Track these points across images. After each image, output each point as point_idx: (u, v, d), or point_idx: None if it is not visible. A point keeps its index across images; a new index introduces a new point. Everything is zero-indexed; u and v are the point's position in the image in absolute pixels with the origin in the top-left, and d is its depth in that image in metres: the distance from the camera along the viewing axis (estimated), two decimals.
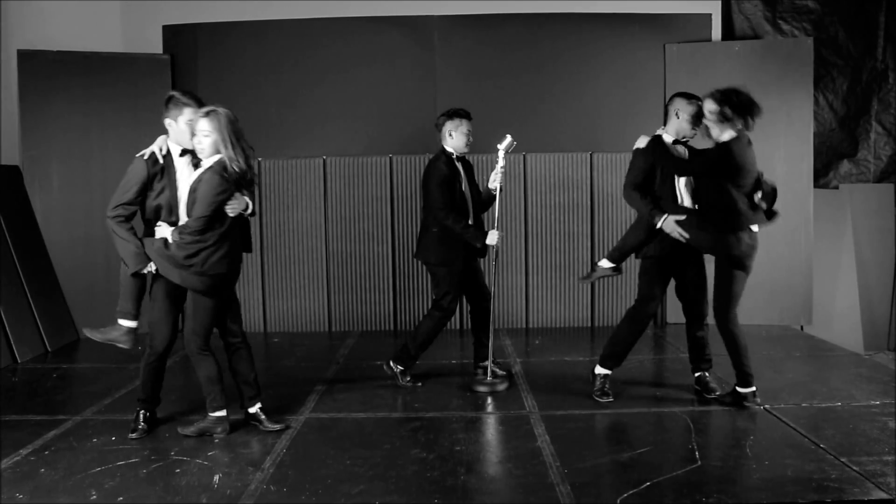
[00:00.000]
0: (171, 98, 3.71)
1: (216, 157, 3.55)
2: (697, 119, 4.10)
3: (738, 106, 3.89)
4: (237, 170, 3.53)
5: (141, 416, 3.81)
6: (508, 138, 4.37)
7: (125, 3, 6.60)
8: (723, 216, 3.93)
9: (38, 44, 6.23)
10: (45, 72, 6.11)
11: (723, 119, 3.91)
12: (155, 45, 6.50)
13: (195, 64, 6.47)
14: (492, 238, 4.42)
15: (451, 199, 4.42)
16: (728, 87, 3.95)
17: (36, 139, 6.12)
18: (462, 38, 6.46)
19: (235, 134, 3.54)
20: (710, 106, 3.96)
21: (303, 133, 6.45)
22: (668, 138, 4.16)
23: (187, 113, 3.64)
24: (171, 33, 6.50)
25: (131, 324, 3.71)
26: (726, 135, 3.94)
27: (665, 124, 4.29)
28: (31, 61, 6.10)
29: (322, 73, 6.47)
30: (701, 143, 4.20)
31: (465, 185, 4.53)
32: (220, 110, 3.55)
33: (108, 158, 6.26)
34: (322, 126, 6.48)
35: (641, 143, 4.20)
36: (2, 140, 6.25)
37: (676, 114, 4.16)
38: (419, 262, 6.41)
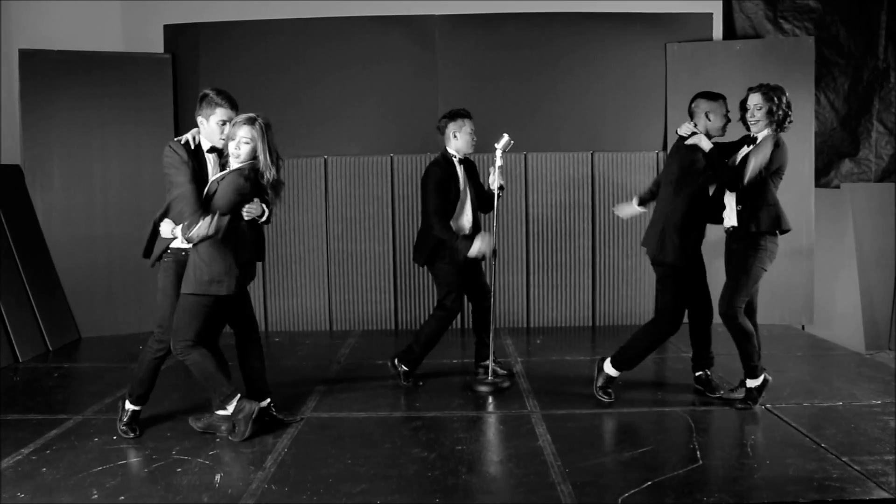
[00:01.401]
0: (205, 96, 3.66)
1: (248, 162, 3.57)
2: (728, 117, 4.10)
3: (788, 104, 3.94)
4: (269, 179, 3.56)
5: (138, 415, 3.81)
6: (506, 137, 4.38)
7: (126, 2, 6.61)
8: (773, 216, 3.96)
9: (39, 43, 6.23)
10: (46, 71, 6.11)
11: (770, 115, 3.92)
12: (156, 45, 6.51)
13: (196, 63, 6.48)
14: (474, 250, 4.34)
15: (445, 204, 4.40)
16: (775, 84, 3.97)
17: (37, 138, 6.12)
18: (463, 38, 6.46)
19: (271, 143, 3.56)
20: (756, 100, 3.96)
21: (304, 132, 6.45)
22: (706, 144, 3.99)
23: (220, 113, 3.62)
24: (172, 33, 6.50)
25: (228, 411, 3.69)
26: (766, 130, 3.98)
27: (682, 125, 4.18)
28: (32, 60, 6.10)
29: (323, 72, 6.47)
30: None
31: (463, 187, 4.52)
32: (261, 119, 3.57)
33: (109, 158, 6.27)
34: (323, 125, 6.48)
35: (688, 132, 4.06)
36: (3, 139, 6.25)
37: (707, 115, 4.05)
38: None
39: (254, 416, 3.64)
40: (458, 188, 4.48)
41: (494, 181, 4.46)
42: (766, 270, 4.03)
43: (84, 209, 6.22)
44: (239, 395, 3.66)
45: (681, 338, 5.86)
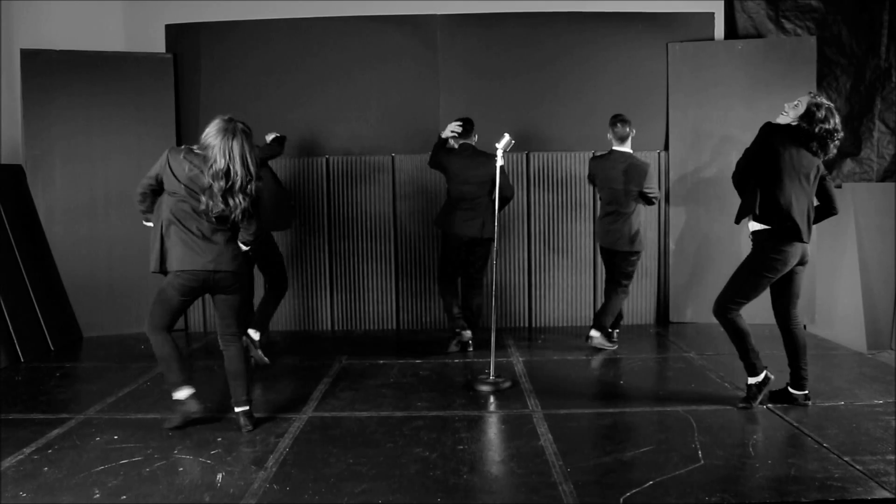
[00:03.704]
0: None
1: None
2: None
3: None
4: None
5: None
6: (507, 137, 4.41)
7: (128, 2, 6.60)
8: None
9: (40, 43, 6.24)
10: (47, 71, 6.12)
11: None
12: (158, 45, 6.51)
13: (198, 63, 6.48)
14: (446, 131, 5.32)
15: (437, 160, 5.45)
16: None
17: (39, 138, 6.13)
18: (465, 37, 6.46)
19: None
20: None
21: (305, 132, 6.45)
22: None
23: None
24: (174, 32, 6.51)
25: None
26: None
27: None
28: (33, 60, 6.11)
29: (325, 72, 6.47)
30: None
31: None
32: None
33: (111, 157, 6.27)
34: (324, 125, 6.48)
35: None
36: (4, 139, 6.26)
37: None
38: (421, 261, 6.46)
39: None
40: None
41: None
42: (769, 278, 3.92)
43: (86, 209, 6.22)
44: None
45: (681, 337, 5.88)
